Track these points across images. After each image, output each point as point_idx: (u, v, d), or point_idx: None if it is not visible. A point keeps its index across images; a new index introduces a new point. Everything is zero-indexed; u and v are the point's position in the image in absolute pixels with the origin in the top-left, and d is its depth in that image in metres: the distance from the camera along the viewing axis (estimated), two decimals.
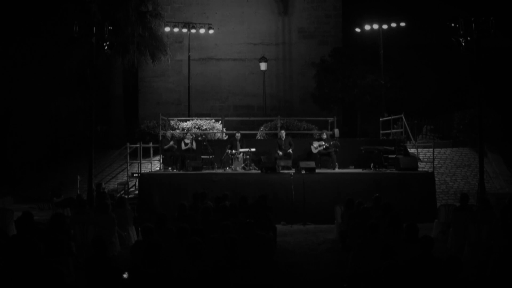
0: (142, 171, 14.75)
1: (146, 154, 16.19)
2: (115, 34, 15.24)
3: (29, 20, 19.83)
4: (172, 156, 14.77)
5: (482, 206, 8.73)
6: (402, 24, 20.11)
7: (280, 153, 14.61)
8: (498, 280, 5.93)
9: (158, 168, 15.82)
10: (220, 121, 18.09)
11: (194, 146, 14.84)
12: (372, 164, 14.08)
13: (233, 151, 14.51)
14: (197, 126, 17.77)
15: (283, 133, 15.05)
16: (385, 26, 20.00)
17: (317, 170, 13.36)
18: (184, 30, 20.90)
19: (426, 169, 15.20)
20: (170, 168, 14.58)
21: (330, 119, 17.27)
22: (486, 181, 14.02)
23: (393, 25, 20.06)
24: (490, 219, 7.94)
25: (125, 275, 4.85)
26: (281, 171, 13.42)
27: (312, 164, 13.37)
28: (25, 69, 19.89)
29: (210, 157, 14.65)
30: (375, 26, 20.07)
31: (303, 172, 12.90)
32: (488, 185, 14.61)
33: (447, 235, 9.49)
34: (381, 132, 17.84)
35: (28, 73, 19.89)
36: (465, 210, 9.17)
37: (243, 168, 14.32)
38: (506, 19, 18.10)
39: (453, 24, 12.48)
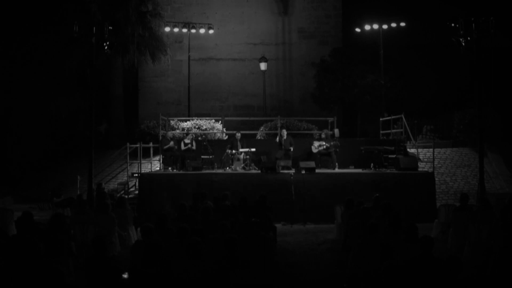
0: (142, 171, 14.75)
1: (146, 154, 16.20)
2: (115, 34, 15.26)
3: (29, 20, 19.84)
4: (172, 156, 14.77)
5: (482, 206, 8.73)
6: (402, 24, 20.12)
7: (281, 152, 14.60)
8: (498, 280, 5.93)
9: (158, 168, 15.83)
10: (220, 121, 18.09)
11: (194, 146, 14.85)
12: (372, 164, 14.08)
13: (233, 151, 14.52)
14: (197, 126, 17.78)
15: (284, 132, 15.03)
16: (385, 26, 20.01)
17: (317, 170, 13.36)
18: (184, 30, 20.91)
19: (426, 169, 15.20)
20: (170, 168, 14.58)
21: (330, 119, 17.27)
22: (486, 181, 14.01)
23: (393, 25, 20.07)
24: (490, 219, 7.93)
25: (125, 275, 4.85)
26: (281, 171, 13.43)
27: (312, 164, 13.37)
28: (25, 69, 19.92)
29: (210, 157, 14.66)
30: (375, 26, 20.08)
31: (303, 172, 12.90)
32: (488, 185, 14.61)
33: (447, 235, 9.49)
34: (381, 132, 17.85)
35: (28, 73, 19.90)
36: (465, 210, 9.17)
37: (243, 168, 14.32)
38: (506, 19, 18.09)
39: (453, 24, 12.48)
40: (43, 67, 19.79)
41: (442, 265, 4.81)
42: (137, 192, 14.23)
